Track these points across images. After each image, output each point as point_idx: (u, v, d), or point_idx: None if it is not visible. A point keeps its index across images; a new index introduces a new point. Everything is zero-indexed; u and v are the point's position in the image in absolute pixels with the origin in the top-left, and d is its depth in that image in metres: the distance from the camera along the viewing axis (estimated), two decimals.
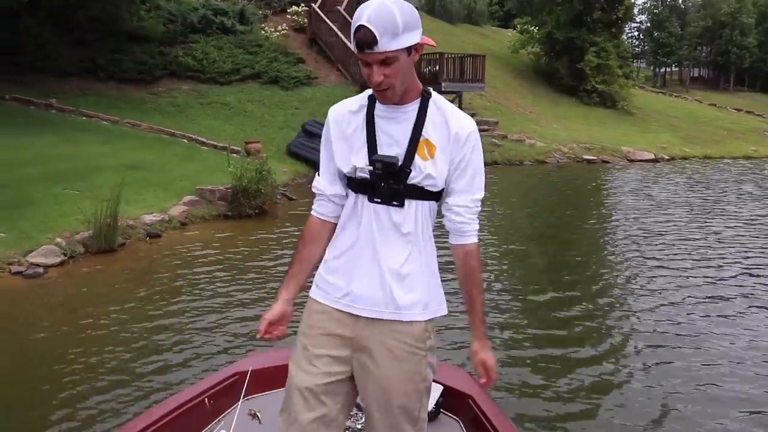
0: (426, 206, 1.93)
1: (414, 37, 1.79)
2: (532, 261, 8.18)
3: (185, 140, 14.91)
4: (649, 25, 64.80)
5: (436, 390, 2.78)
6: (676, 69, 68.23)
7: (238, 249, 8.13)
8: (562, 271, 7.63)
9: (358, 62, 1.90)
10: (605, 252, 8.85)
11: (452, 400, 2.86)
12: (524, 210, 12.39)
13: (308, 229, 2.06)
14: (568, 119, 26.50)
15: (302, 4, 24.42)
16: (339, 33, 22.05)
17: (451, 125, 1.91)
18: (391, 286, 1.90)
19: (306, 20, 23.68)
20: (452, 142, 1.90)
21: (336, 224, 2.01)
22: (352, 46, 1.81)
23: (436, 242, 1.99)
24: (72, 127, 13.72)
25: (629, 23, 44.55)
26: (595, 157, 22.03)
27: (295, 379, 1.95)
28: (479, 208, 1.97)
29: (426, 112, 1.91)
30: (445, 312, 2.01)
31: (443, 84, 19.49)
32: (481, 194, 1.96)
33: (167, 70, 19.37)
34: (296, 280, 2.05)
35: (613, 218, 11.35)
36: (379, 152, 1.88)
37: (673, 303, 6.31)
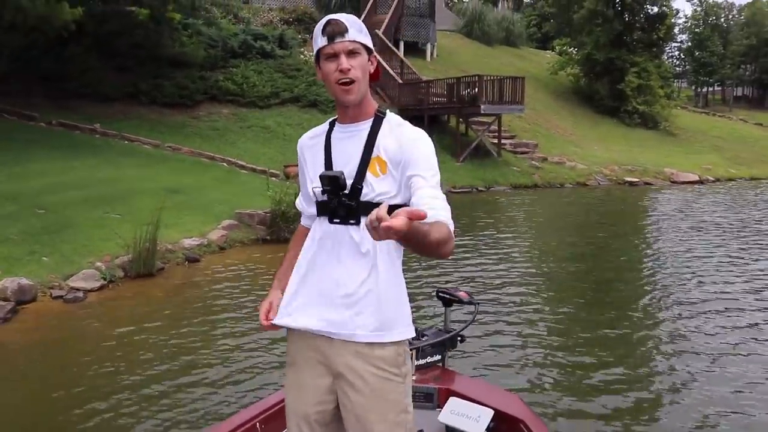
0: None
1: (369, 41, 1.94)
2: (574, 285, 7.94)
3: (225, 164, 15.02)
4: (690, 44, 63.95)
5: (487, 414, 2.78)
6: (719, 88, 67.08)
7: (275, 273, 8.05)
8: (605, 296, 7.38)
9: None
10: (649, 275, 8.54)
11: (503, 425, 2.82)
12: (563, 233, 12.11)
13: (296, 235, 2.24)
14: (608, 141, 26.09)
15: None
16: (377, 56, 22.07)
17: (401, 139, 1.93)
18: (349, 307, 1.89)
19: None
20: (401, 153, 1.91)
21: None
22: (318, 43, 1.93)
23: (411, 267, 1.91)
24: (114, 150, 13.92)
25: (670, 43, 44.02)
26: (637, 180, 21.58)
27: (290, 406, 2.01)
28: (442, 200, 1.82)
29: (378, 129, 1.96)
30: (411, 335, 1.97)
31: (482, 106, 19.32)
32: (437, 186, 1.88)
33: (208, 94, 19.61)
34: (286, 273, 2.11)
35: (657, 241, 11.00)
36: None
37: (721, 327, 6.02)
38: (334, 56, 1.90)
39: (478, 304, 3.39)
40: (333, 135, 2.03)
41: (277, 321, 2.01)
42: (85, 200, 9.53)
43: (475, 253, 9.44)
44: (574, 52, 32.01)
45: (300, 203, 2.17)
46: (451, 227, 1.76)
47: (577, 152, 23.33)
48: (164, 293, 7.12)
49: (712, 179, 23.08)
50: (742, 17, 64.49)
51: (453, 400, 2.88)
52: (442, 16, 33.38)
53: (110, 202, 9.68)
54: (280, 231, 9.78)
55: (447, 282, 7.55)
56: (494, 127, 21.11)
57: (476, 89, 19.52)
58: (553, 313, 6.76)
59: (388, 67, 21.93)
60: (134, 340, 5.57)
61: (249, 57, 21.55)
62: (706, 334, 5.95)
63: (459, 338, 3.37)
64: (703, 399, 4.53)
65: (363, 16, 24.94)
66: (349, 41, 1.89)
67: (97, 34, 17.95)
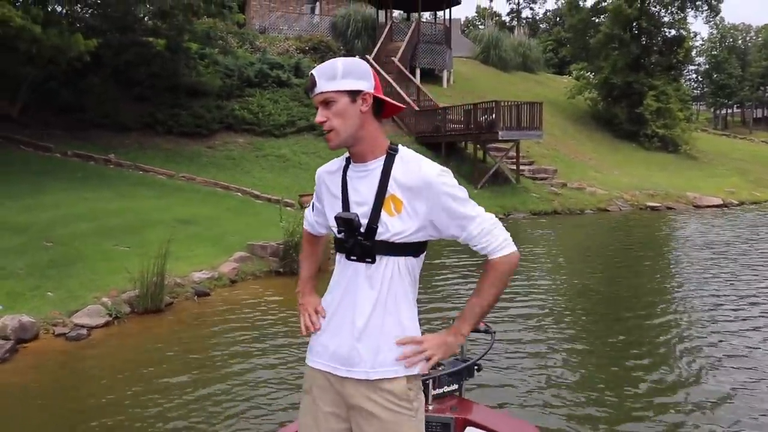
0: (400, 261, 1.96)
1: (356, 84, 1.92)
2: (595, 317, 7.60)
3: (239, 193, 14.87)
4: (707, 66, 63.62)
5: None
6: (738, 110, 66.52)
7: (288, 308, 7.80)
8: (628, 330, 7.03)
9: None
10: (675, 309, 8.16)
11: None
12: (584, 262, 11.76)
13: (303, 243, 2.39)
14: (628, 165, 25.73)
15: (357, 57, 24.61)
16: (394, 83, 22.03)
17: (416, 177, 1.93)
18: (358, 343, 1.95)
19: None
20: (418, 191, 1.93)
21: (322, 237, 2.33)
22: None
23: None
24: (128, 181, 13.83)
25: (687, 65, 43.70)
26: (659, 204, 21.18)
27: None
28: (488, 226, 1.97)
29: (391, 167, 1.96)
30: (422, 371, 2.00)
31: (500, 133, 19.08)
32: (477, 215, 1.97)
33: (224, 123, 19.58)
34: (309, 275, 2.33)
35: (684, 272, 10.61)
36: (351, 210, 1.97)
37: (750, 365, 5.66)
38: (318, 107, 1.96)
39: (495, 332, 3.31)
40: (348, 173, 2.04)
41: (320, 367, 2.06)
42: (95, 232, 9.38)
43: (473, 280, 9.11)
44: (592, 76, 31.82)
45: (310, 220, 2.27)
46: (507, 248, 1.97)
47: (597, 177, 22.98)
48: (171, 331, 6.87)
49: (736, 203, 22.61)
50: (760, 39, 64.19)
51: (470, 431, 2.89)
52: (458, 43, 33.39)
53: (120, 234, 9.51)
54: (292, 263, 9.51)
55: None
56: (512, 153, 20.86)
57: (493, 115, 19.31)
58: (573, 345, 6.56)
59: (404, 95, 21.80)
60: (137, 381, 5.31)
61: (265, 86, 21.57)
62: (731, 367, 5.64)
63: (476, 367, 3.33)
64: None
65: (379, 44, 25.01)
66: (319, 93, 1.93)
67: (115, 65, 18.06)
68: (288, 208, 13.05)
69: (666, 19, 32.06)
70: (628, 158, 26.97)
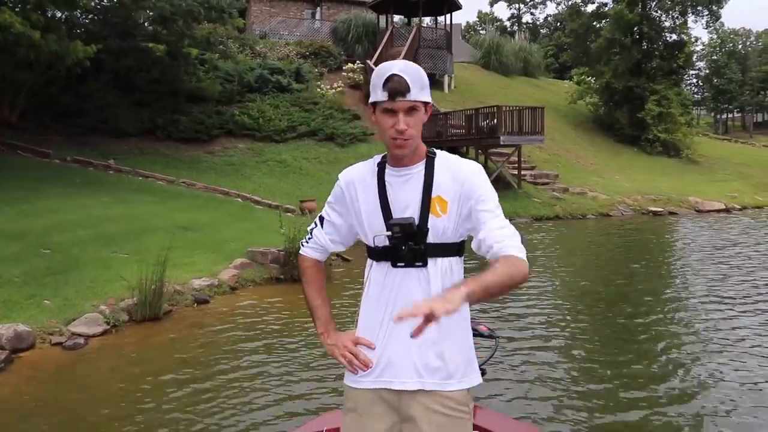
0: (451, 262, 1.95)
1: (429, 96, 1.94)
2: (599, 322, 7.48)
3: (239, 199, 14.78)
4: (708, 71, 63.60)
5: None
6: (738, 115, 66.49)
7: (289, 315, 7.68)
8: (632, 335, 6.91)
9: (372, 115, 1.97)
10: (678, 314, 8.04)
11: None
12: (588, 268, 11.64)
13: (307, 273, 2.18)
14: (630, 170, 25.61)
15: (357, 62, 24.55)
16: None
17: (457, 174, 1.96)
18: (426, 353, 1.90)
19: (361, 77, 23.73)
20: (460, 187, 1.94)
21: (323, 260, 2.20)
22: (378, 96, 1.89)
23: None
24: (127, 187, 13.73)
25: (688, 70, 43.65)
26: (661, 209, 21.03)
27: None
28: (509, 229, 1.93)
29: (433, 170, 1.97)
30: (479, 378, 1.99)
31: (502, 138, 18.99)
32: (500, 215, 1.96)
33: (224, 129, 19.52)
34: (329, 314, 2.14)
35: (688, 277, 10.48)
36: (394, 216, 1.93)
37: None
38: (393, 112, 1.88)
39: (498, 338, 3.20)
40: (387, 179, 1.99)
41: (369, 386, 1.97)
42: (93, 239, 9.26)
43: None
44: (593, 81, 31.75)
45: (322, 239, 2.13)
46: (522, 254, 1.85)
47: (599, 182, 22.87)
48: (169, 339, 6.74)
49: (739, 207, 22.46)
50: (760, 44, 64.18)
51: None
52: (459, 48, 33.33)
53: (119, 241, 9.40)
54: (293, 270, 9.38)
55: None
56: (514, 158, 20.76)
57: (495, 120, 19.22)
58: (577, 350, 6.51)
59: None
60: (135, 392, 5.19)
61: (265, 91, 21.51)
62: (736, 370, 5.58)
63: (480, 372, 3.15)
64: None
65: (380, 49, 24.93)
66: (410, 101, 1.87)
67: (115, 70, 17.99)
68: (288, 214, 12.95)
69: (667, 24, 32.00)
70: (630, 163, 26.85)
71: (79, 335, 6.42)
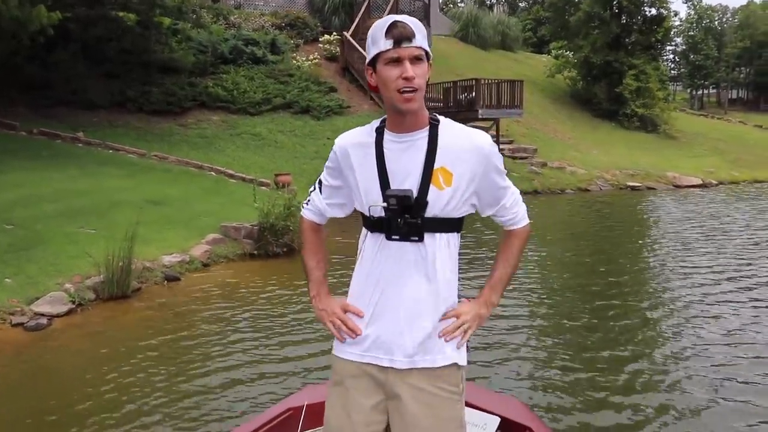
0: (448, 238, 1.85)
1: (429, 48, 1.82)
2: (580, 296, 7.37)
3: (213, 173, 14.42)
4: (684, 47, 63.79)
5: (493, 422, 2.73)
6: (713, 91, 66.92)
7: (264, 292, 7.45)
8: (613, 307, 6.81)
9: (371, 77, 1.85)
10: (659, 286, 7.96)
11: None
12: (568, 242, 11.53)
13: (305, 234, 2.09)
14: (608, 144, 25.57)
15: (334, 33, 24.08)
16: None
17: (467, 145, 1.83)
18: (418, 330, 1.82)
19: (338, 49, 23.30)
20: (468, 160, 1.82)
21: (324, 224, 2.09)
22: (380, 45, 1.77)
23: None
24: (97, 160, 13.29)
25: (666, 45, 43.68)
26: (639, 184, 21.06)
27: (335, 427, 1.89)
28: (517, 196, 1.96)
29: (437, 139, 1.82)
30: (458, 346, 1.90)
31: (480, 111, 18.77)
32: (509, 186, 1.94)
33: (197, 101, 19.01)
34: (323, 275, 2.05)
35: (667, 251, 10.41)
36: (392, 187, 1.81)
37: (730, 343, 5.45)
38: (398, 61, 1.76)
39: None
40: (385, 146, 1.85)
41: (356, 359, 1.89)
42: (59, 214, 8.91)
43: (478, 264, 8.81)
44: (571, 55, 31.57)
45: (320, 203, 2.05)
46: (526, 219, 1.99)
47: (577, 157, 22.79)
48: (137, 318, 6.49)
49: (715, 182, 22.60)
50: (736, 20, 64.46)
51: None
52: (437, 21, 32.86)
53: (86, 216, 9.06)
54: (267, 245, 9.16)
55: None
56: (492, 132, 20.54)
57: (473, 93, 18.98)
58: (559, 323, 6.52)
59: None
60: (101, 375, 4.94)
61: (240, 63, 21.00)
62: (721, 344, 5.49)
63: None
64: (723, 411, 4.35)
65: (357, 21, 24.43)
66: (416, 47, 1.76)
67: (84, 40, 17.36)
68: (263, 188, 12.66)
69: None
70: (608, 137, 26.82)
71: (42, 315, 6.14)
